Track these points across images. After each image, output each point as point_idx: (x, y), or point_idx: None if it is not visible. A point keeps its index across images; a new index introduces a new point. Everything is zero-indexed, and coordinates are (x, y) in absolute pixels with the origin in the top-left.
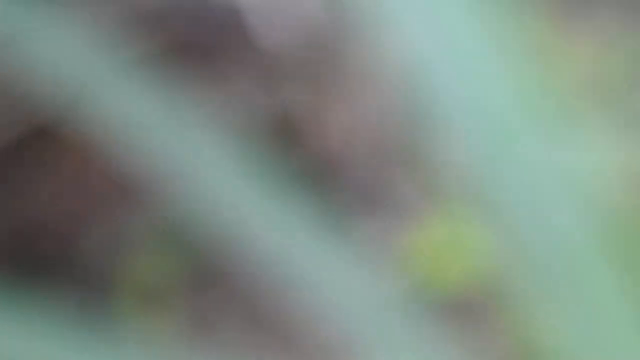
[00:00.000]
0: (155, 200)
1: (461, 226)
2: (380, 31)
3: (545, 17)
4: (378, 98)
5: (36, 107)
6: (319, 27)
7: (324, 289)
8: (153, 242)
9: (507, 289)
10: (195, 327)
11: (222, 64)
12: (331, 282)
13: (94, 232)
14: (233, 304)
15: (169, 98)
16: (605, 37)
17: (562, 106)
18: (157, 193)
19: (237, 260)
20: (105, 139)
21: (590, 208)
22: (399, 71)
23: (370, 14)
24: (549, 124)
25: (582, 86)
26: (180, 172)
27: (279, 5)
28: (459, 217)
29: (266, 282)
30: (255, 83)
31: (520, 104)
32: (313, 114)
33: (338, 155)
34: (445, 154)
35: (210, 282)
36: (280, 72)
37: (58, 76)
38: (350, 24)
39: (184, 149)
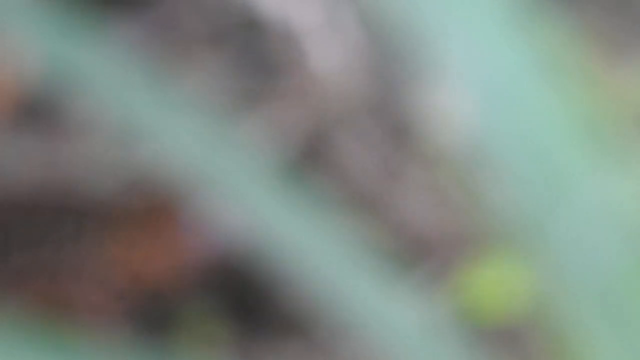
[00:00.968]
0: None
1: (509, 263)
2: (431, 71)
3: (593, 49)
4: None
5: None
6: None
7: (376, 319)
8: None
9: (552, 320)
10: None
11: (275, 87)
12: (382, 311)
13: None
14: (281, 342)
15: (221, 124)
16: None
17: (611, 140)
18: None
19: (286, 293)
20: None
21: (635, 238)
22: (448, 108)
23: (419, 54)
24: (598, 160)
25: (630, 118)
26: (235, 203)
27: (334, 34)
28: (507, 255)
29: (318, 313)
30: (304, 108)
31: (570, 141)
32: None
33: (385, 193)
34: (494, 194)
35: (261, 318)
36: (330, 100)
37: (115, 103)
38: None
39: (236, 177)
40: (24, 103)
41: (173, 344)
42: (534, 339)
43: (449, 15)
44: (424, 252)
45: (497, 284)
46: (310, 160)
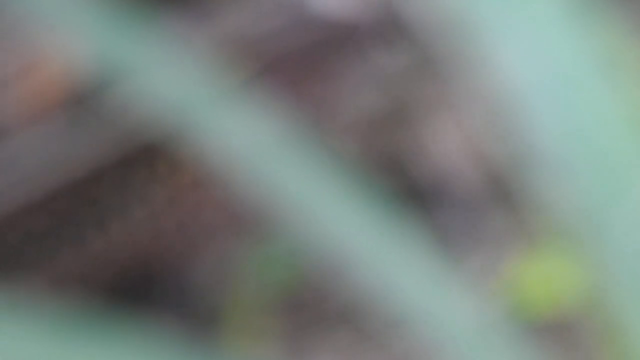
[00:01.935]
0: (261, 225)
1: (558, 259)
2: (481, 55)
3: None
4: (479, 122)
5: (145, 131)
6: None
7: (426, 312)
8: (257, 266)
9: (600, 313)
10: (292, 352)
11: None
12: (435, 309)
13: (201, 254)
14: (331, 336)
15: (271, 122)
16: None
17: None
18: (263, 218)
19: (340, 288)
20: (216, 164)
21: None
22: (497, 99)
23: (469, 41)
24: None
25: None
26: (285, 197)
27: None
28: (557, 250)
29: (370, 307)
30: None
31: (620, 135)
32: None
33: (441, 181)
34: (544, 186)
35: (310, 310)
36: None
37: (167, 100)
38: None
39: (285, 173)
40: (73, 96)
41: (220, 338)
42: (584, 334)
43: (502, 10)
44: (472, 246)
45: (547, 279)
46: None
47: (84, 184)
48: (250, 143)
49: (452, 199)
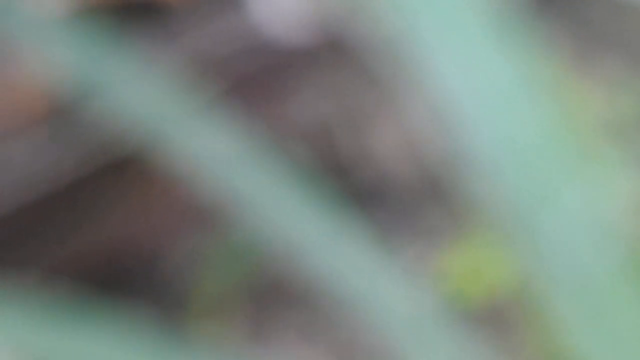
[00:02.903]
0: (223, 223)
1: (488, 250)
2: (418, 69)
3: (560, 61)
4: (416, 128)
5: (119, 143)
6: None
7: (371, 300)
8: (220, 259)
9: (532, 302)
10: (255, 337)
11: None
12: (377, 294)
13: (169, 250)
14: (289, 317)
15: (233, 133)
16: (615, 80)
17: (580, 143)
18: (225, 216)
19: (294, 276)
20: (183, 171)
21: (607, 235)
22: (433, 107)
23: (402, 49)
24: (570, 159)
25: (596, 125)
26: (245, 197)
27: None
28: (486, 242)
29: (320, 295)
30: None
31: (544, 140)
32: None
33: (378, 178)
34: (475, 184)
35: (269, 295)
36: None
37: (138, 114)
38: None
39: (246, 176)
40: (53, 112)
41: (188, 323)
42: (514, 321)
43: (436, 28)
44: (410, 239)
45: (477, 269)
46: None
47: (65, 191)
48: (214, 151)
49: (392, 196)
